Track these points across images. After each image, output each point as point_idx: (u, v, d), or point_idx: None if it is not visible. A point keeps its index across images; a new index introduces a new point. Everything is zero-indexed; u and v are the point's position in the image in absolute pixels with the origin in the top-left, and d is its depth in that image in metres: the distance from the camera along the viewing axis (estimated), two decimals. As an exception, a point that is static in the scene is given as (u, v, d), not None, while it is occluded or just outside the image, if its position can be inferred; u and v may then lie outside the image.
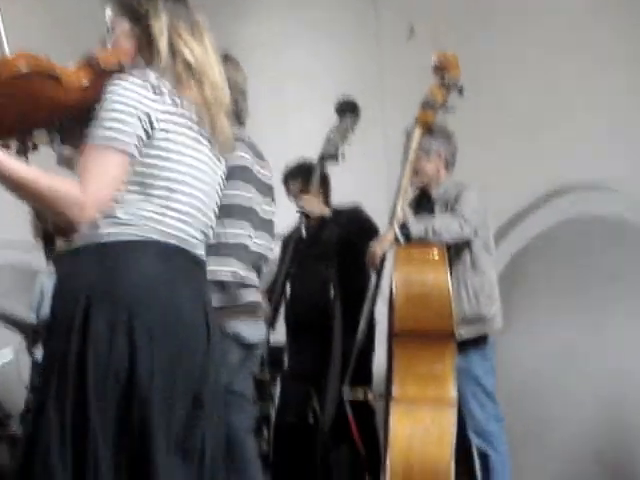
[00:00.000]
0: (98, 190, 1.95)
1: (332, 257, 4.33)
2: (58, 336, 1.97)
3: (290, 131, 5.73)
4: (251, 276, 2.85)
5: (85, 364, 1.90)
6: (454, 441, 3.43)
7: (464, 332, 3.76)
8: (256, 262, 2.88)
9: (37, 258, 5.88)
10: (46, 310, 5.30)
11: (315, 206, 4.28)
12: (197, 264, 2.13)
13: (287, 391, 4.26)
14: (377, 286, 3.82)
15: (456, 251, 3.77)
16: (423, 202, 4.02)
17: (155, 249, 2.01)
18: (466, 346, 3.79)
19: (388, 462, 3.43)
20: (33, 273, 6.22)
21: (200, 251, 2.14)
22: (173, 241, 2.03)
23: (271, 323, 4.29)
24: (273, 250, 2.99)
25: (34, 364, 5.43)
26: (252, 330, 2.81)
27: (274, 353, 4.35)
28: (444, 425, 3.47)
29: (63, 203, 1.93)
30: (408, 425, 3.49)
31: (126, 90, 1.97)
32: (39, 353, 4.91)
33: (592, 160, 5.23)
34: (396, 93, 5.66)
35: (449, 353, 3.60)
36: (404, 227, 3.69)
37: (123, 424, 1.91)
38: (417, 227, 3.68)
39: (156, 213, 2.01)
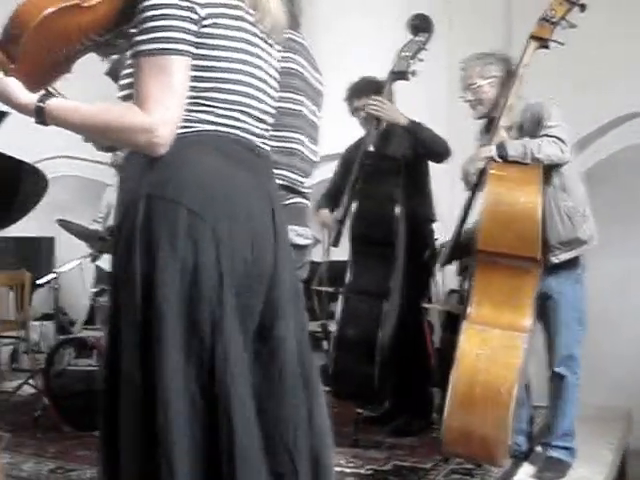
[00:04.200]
0: (165, 107, 1.77)
1: (398, 173, 4.32)
2: (123, 246, 1.85)
3: (355, 51, 5.68)
4: (302, 182, 2.79)
5: (151, 273, 1.78)
6: (521, 367, 3.41)
7: (562, 255, 3.71)
8: (306, 169, 2.83)
9: (103, 171, 6.13)
10: (111, 221, 5.53)
11: (393, 112, 4.27)
12: (259, 156, 1.98)
13: (350, 306, 4.28)
14: (470, 204, 3.77)
15: (545, 174, 3.65)
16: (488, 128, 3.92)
17: (217, 143, 1.87)
18: (559, 269, 3.75)
19: (452, 378, 3.44)
20: (99, 185, 6.48)
21: (262, 141, 2.00)
22: (231, 131, 1.89)
23: (335, 240, 4.35)
24: (318, 158, 2.94)
25: (98, 272, 5.68)
26: (301, 232, 2.77)
27: (337, 269, 4.42)
28: (513, 350, 3.43)
29: (130, 134, 1.78)
30: (477, 345, 3.47)
31: None
32: (102, 261, 5.18)
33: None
34: (462, 15, 5.56)
35: (530, 279, 3.54)
36: (501, 147, 3.61)
37: (191, 332, 1.78)
38: (515, 148, 3.59)
39: (209, 107, 1.85)
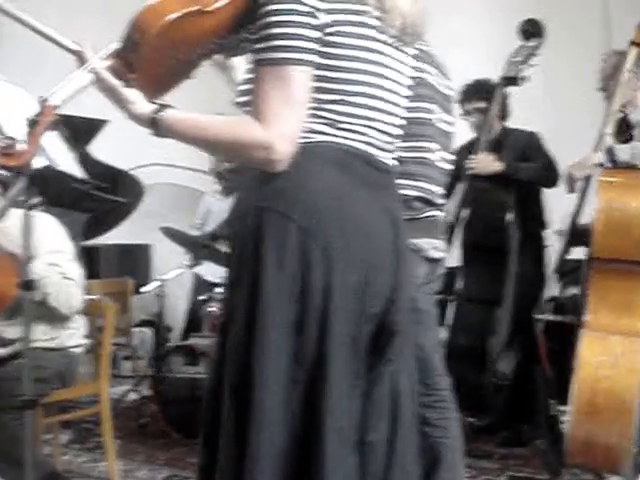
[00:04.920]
0: (284, 121, 1.67)
1: (510, 179, 4.26)
2: (234, 258, 1.82)
3: (456, 54, 5.61)
4: (436, 193, 2.73)
5: (258, 288, 1.71)
6: (644, 374, 3.33)
7: None
8: (440, 178, 2.79)
9: (199, 179, 6.11)
10: (209, 228, 5.58)
11: (488, 165, 4.22)
12: (381, 170, 1.85)
13: (462, 313, 4.22)
14: (578, 209, 3.71)
15: None
16: (622, 128, 3.84)
17: (336, 157, 1.77)
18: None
19: (573, 387, 3.36)
20: (193, 192, 6.49)
21: (385, 155, 1.87)
22: (352, 144, 1.78)
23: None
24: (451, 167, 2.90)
25: (197, 279, 5.67)
26: (435, 244, 2.72)
27: (447, 275, 4.37)
28: (636, 355, 3.35)
29: (247, 149, 1.70)
30: (597, 352, 3.40)
31: None
32: (201, 269, 5.26)
33: None
34: (559, 17, 5.44)
35: (648, 285, 3.47)
36: (610, 151, 3.55)
37: (297, 355, 1.71)
38: (623, 151, 3.53)
39: (331, 119, 1.76)
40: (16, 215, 3.31)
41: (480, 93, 4.44)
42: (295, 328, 1.70)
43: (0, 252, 3.12)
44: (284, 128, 1.68)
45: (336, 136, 1.77)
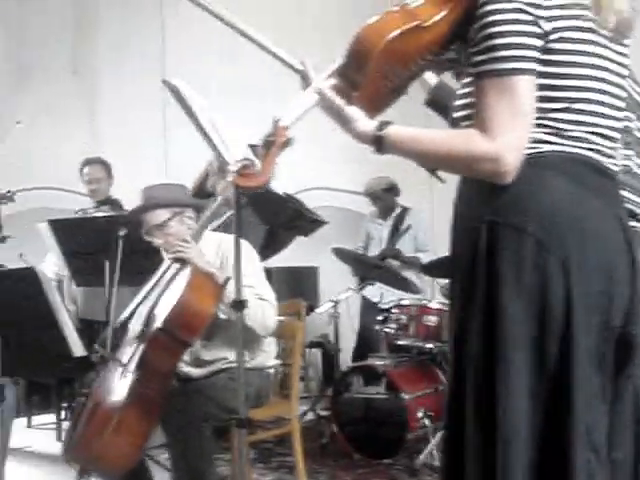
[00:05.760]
0: (511, 132, 1.66)
1: None
2: (463, 277, 1.79)
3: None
4: (637, 203, 2.67)
5: (495, 308, 1.69)
6: None
7: None
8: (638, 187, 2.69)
9: (359, 201, 6.24)
10: (372, 253, 5.68)
11: None
12: (608, 177, 1.80)
13: None
14: None
15: None
16: None
17: (565, 166, 1.72)
18: None
19: None
20: (355, 215, 6.61)
21: (611, 162, 1.81)
22: (579, 152, 1.74)
23: None
24: None
25: (364, 301, 5.70)
26: None
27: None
28: None
29: (473, 162, 1.69)
30: None
31: (501, 3, 1.68)
32: (368, 290, 5.31)
33: None
34: None
35: None
36: None
37: (537, 372, 1.68)
38: None
39: (556, 128, 1.73)
40: (210, 236, 3.42)
41: None
42: (535, 343, 1.67)
43: (198, 272, 3.18)
44: (511, 139, 1.67)
45: (563, 145, 1.74)
